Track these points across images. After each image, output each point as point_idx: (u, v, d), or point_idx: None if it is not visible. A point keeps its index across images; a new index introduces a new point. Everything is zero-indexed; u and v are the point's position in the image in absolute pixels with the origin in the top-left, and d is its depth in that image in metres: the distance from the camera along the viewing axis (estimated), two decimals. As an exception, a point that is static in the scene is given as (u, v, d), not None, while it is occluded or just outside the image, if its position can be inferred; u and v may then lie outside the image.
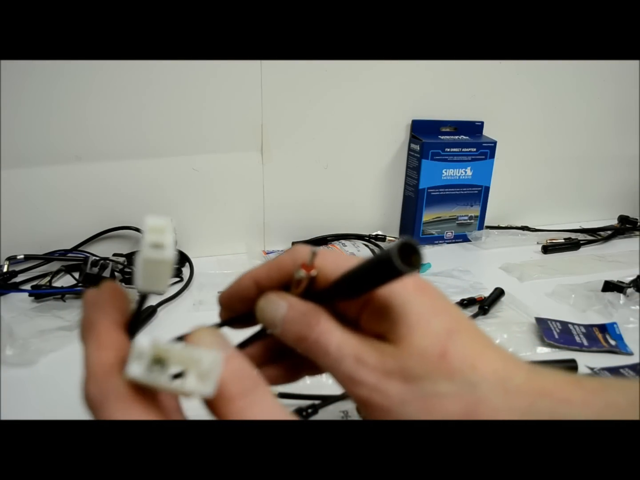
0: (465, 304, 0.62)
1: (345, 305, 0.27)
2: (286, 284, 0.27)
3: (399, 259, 0.21)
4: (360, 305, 0.26)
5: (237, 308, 0.29)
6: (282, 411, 0.21)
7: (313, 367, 0.28)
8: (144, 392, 0.20)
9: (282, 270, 0.27)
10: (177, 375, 0.19)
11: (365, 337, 0.25)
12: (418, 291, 0.26)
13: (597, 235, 0.88)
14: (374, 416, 0.24)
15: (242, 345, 0.30)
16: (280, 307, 0.26)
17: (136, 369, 0.19)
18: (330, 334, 0.25)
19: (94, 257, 0.64)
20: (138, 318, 0.23)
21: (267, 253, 0.76)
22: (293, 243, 0.78)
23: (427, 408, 0.23)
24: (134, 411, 0.20)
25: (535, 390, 0.24)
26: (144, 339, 0.20)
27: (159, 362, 0.20)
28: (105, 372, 0.20)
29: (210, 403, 0.21)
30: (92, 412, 0.20)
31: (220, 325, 0.30)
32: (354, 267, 0.24)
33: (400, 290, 0.25)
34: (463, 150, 0.79)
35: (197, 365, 0.19)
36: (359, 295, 0.25)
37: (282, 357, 0.30)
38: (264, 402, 0.21)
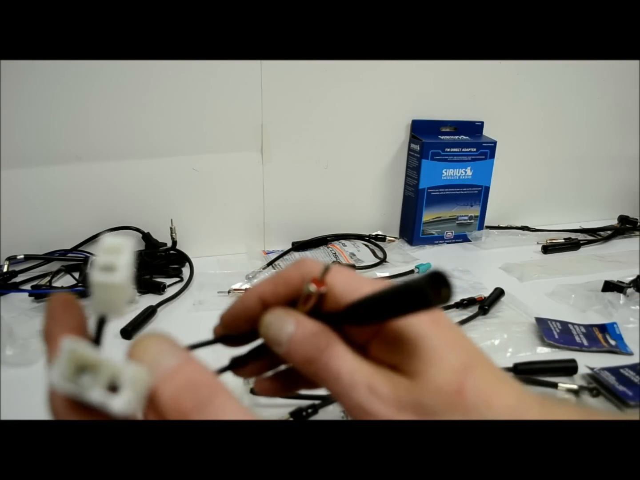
0: (465, 304, 0.62)
1: (355, 330, 0.26)
2: (292, 301, 0.26)
3: (431, 288, 0.20)
4: (371, 332, 0.25)
5: (242, 328, 0.28)
6: (247, 416, 0.20)
7: (310, 382, 0.27)
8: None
9: (289, 286, 0.26)
10: (113, 388, 0.18)
11: (377, 366, 0.24)
12: (432, 323, 0.25)
13: (597, 235, 0.88)
14: None
15: (237, 364, 0.29)
16: (287, 324, 0.24)
17: (55, 375, 0.18)
18: (342, 359, 0.24)
19: (94, 257, 0.64)
20: (99, 337, 0.21)
21: (267, 253, 0.76)
22: (293, 243, 0.78)
23: None
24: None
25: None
26: (67, 343, 0.19)
27: (89, 370, 0.18)
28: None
29: (167, 418, 0.19)
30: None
31: (214, 341, 0.29)
32: (375, 293, 0.23)
33: (415, 322, 0.24)
34: (463, 150, 0.79)
35: (122, 376, 0.18)
36: (377, 322, 0.24)
37: (278, 369, 0.29)
38: (226, 413, 0.19)
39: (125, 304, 0.20)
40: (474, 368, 0.24)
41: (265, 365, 0.29)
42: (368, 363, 0.24)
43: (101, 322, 0.21)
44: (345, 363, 0.24)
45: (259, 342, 0.28)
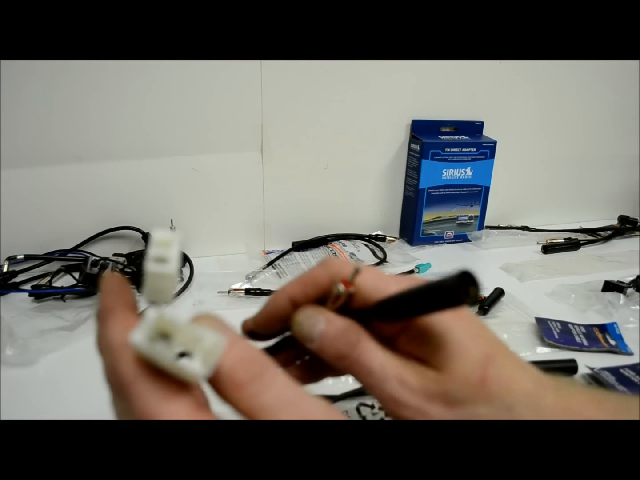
0: (465, 304, 0.62)
1: (383, 325, 0.27)
2: (322, 299, 0.27)
3: (461, 287, 0.21)
4: (398, 327, 0.27)
5: (275, 327, 0.29)
6: (297, 391, 0.21)
7: (336, 370, 0.28)
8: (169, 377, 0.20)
9: (318, 286, 0.27)
10: (183, 355, 0.20)
11: (406, 359, 0.26)
12: (456, 317, 0.26)
13: (597, 235, 0.88)
14: None
15: (270, 351, 0.30)
16: (318, 322, 0.26)
17: (140, 338, 0.19)
18: (373, 353, 0.25)
19: (94, 257, 0.64)
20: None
21: (267, 253, 0.76)
22: (293, 243, 0.78)
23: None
24: (163, 394, 0.19)
25: (563, 409, 0.25)
26: (152, 311, 0.20)
27: (165, 337, 0.20)
28: (124, 348, 0.20)
29: (221, 391, 0.21)
30: (123, 392, 0.20)
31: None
32: (406, 291, 0.24)
33: (439, 316, 0.26)
34: (463, 150, 0.79)
35: (200, 344, 0.20)
36: (406, 319, 0.26)
37: (304, 357, 0.30)
38: (277, 386, 0.21)
39: (173, 294, 0.22)
40: (495, 358, 0.25)
41: (293, 355, 0.31)
42: (397, 357, 0.26)
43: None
44: (376, 357, 0.25)
45: (286, 333, 0.29)
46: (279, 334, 0.30)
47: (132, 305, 0.23)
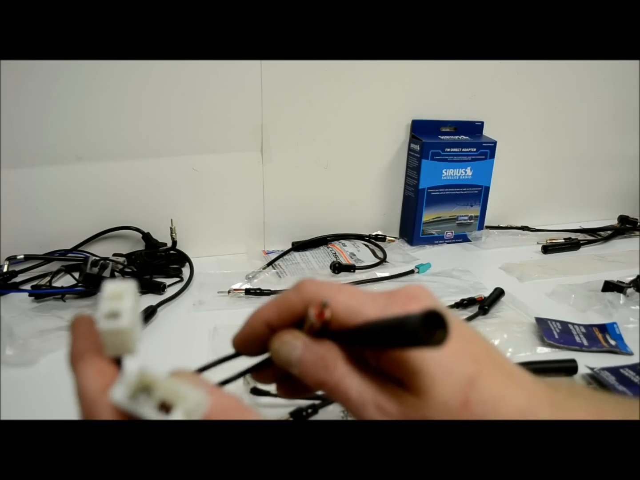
0: (465, 304, 0.62)
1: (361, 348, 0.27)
2: (298, 322, 0.27)
3: (423, 330, 0.20)
4: (376, 352, 0.26)
5: (253, 349, 0.29)
6: None
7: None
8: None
9: (292, 311, 0.27)
10: (162, 406, 0.19)
11: (384, 383, 0.25)
12: None
13: (597, 235, 0.88)
14: None
15: (259, 367, 0.30)
16: (295, 348, 0.26)
17: (120, 395, 0.19)
18: (349, 379, 0.25)
19: (94, 257, 0.64)
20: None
21: (267, 253, 0.76)
22: (293, 243, 0.78)
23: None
24: None
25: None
26: (134, 364, 0.20)
27: (145, 390, 0.20)
28: (100, 397, 0.20)
29: None
30: None
31: (234, 356, 0.30)
32: (370, 324, 0.24)
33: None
34: (463, 150, 0.79)
35: (184, 401, 0.19)
36: (376, 348, 0.25)
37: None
38: None
39: (136, 343, 0.21)
40: (479, 377, 0.24)
41: (281, 371, 0.30)
42: (375, 381, 0.25)
43: (118, 362, 0.22)
44: (353, 384, 0.25)
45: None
46: (262, 353, 0.30)
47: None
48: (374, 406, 0.25)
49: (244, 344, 0.29)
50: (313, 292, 0.26)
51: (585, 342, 0.55)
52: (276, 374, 0.30)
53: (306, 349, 0.26)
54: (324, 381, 0.25)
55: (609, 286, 0.66)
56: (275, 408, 0.43)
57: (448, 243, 0.84)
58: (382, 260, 0.75)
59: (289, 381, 0.30)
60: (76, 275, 0.64)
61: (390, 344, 0.23)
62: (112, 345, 0.21)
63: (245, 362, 0.30)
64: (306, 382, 0.26)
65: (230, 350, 0.30)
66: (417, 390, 0.24)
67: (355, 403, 0.25)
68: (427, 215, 0.81)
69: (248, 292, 0.63)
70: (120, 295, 0.21)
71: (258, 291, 0.63)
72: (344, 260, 0.74)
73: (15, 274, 0.64)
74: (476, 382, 0.24)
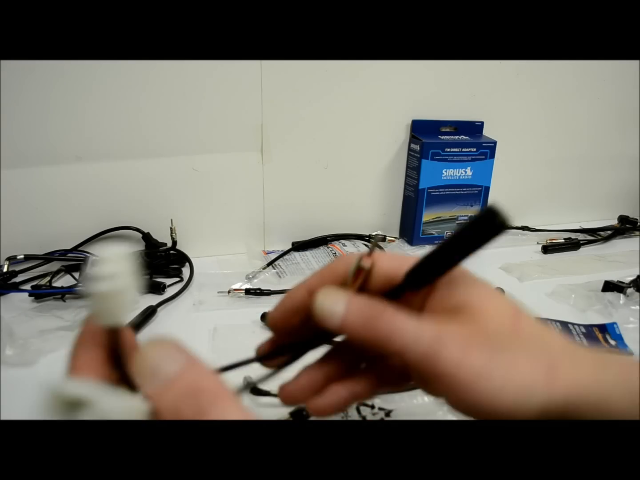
0: (465, 304, 0.62)
1: (406, 301, 0.27)
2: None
3: (497, 217, 0.22)
4: (422, 298, 0.27)
5: (292, 323, 0.29)
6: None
7: (389, 379, 0.29)
8: None
9: (335, 274, 0.27)
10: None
11: (438, 316, 0.26)
12: (475, 279, 0.27)
13: (597, 235, 0.88)
14: (456, 395, 0.24)
15: (294, 356, 0.29)
16: (341, 297, 0.25)
17: (47, 410, 0.19)
18: (402, 316, 0.25)
19: (94, 257, 0.64)
20: (117, 350, 0.22)
21: (267, 253, 0.76)
22: (293, 243, 0.78)
23: (509, 376, 0.23)
24: None
25: (597, 360, 0.25)
26: (56, 387, 0.19)
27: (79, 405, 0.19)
28: None
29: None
30: None
31: (256, 360, 0.29)
32: (446, 239, 0.25)
33: (462, 275, 0.27)
34: (463, 150, 0.79)
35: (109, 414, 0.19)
36: (444, 271, 0.26)
37: (357, 372, 0.30)
38: (225, 417, 0.19)
39: (126, 312, 0.21)
40: (523, 312, 0.26)
41: (343, 368, 0.30)
42: (428, 316, 0.26)
43: (113, 334, 0.21)
44: (406, 319, 0.25)
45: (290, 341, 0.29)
46: (294, 332, 0.29)
47: (98, 356, 0.22)
48: (431, 336, 0.24)
49: (283, 317, 0.29)
50: (354, 257, 0.27)
51: (585, 342, 0.55)
52: (335, 371, 0.29)
53: (351, 298, 0.25)
54: (373, 324, 0.24)
55: (609, 286, 0.66)
56: (275, 408, 0.43)
57: (448, 243, 0.84)
58: (382, 260, 0.74)
59: (350, 381, 0.29)
60: (76, 275, 0.64)
61: (470, 247, 0.25)
62: (102, 311, 0.20)
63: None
64: (350, 329, 0.25)
65: (232, 351, 0.30)
66: (470, 317, 0.25)
67: (411, 335, 0.24)
68: (427, 215, 0.81)
69: (248, 292, 0.63)
70: (113, 260, 0.20)
71: (258, 291, 0.63)
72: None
73: (15, 274, 0.64)
74: (521, 314, 0.26)
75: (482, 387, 0.23)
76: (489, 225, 0.23)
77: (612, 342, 0.55)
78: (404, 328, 0.24)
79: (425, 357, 0.24)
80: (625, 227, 0.91)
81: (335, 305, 0.25)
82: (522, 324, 0.25)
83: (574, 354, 0.25)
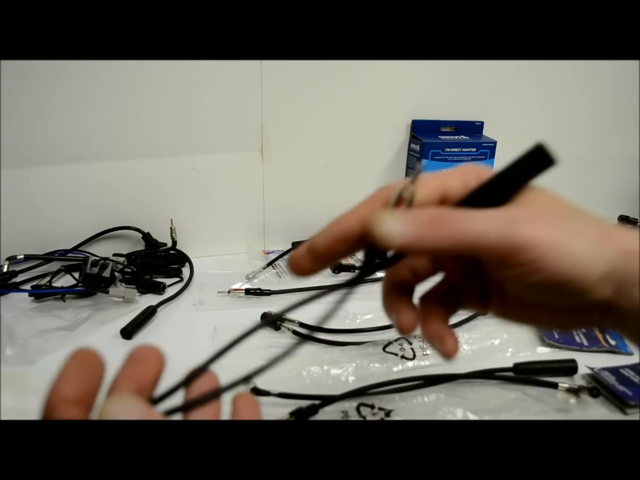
0: (465, 304, 0.61)
1: None
2: None
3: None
4: None
5: (336, 251, 0.28)
6: None
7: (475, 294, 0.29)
8: None
9: (383, 201, 0.28)
10: None
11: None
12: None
13: (597, 235, 0.88)
14: (532, 269, 0.24)
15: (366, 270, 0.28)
16: (399, 214, 0.25)
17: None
18: (465, 211, 0.25)
19: (94, 257, 0.64)
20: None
21: (267, 253, 0.76)
22: (293, 243, 0.78)
23: (578, 242, 0.24)
24: None
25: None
26: None
27: None
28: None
29: None
30: None
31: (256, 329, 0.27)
32: (499, 172, 0.27)
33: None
34: (463, 150, 0.79)
35: None
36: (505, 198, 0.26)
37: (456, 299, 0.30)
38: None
39: None
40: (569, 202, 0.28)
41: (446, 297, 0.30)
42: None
43: None
44: (472, 211, 0.25)
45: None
46: (332, 260, 0.29)
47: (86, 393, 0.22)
48: (508, 223, 0.24)
49: (330, 244, 0.28)
50: (398, 184, 0.27)
51: (585, 342, 0.55)
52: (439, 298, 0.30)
53: (411, 212, 0.25)
54: (441, 229, 0.24)
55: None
56: (275, 408, 0.43)
57: (448, 243, 0.84)
58: (382, 260, 0.74)
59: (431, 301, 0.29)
60: (76, 275, 0.64)
61: (522, 179, 0.26)
62: None
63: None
64: (422, 243, 0.24)
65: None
66: (530, 202, 0.27)
67: (487, 231, 0.24)
68: (427, 215, 0.81)
69: (248, 292, 0.63)
70: None
71: (258, 291, 0.63)
72: (344, 260, 0.74)
73: (15, 274, 0.64)
74: (569, 202, 0.28)
75: (556, 255, 0.24)
76: (540, 158, 0.25)
77: (612, 342, 0.55)
78: (473, 218, 0.24)
79: (500, 239, 0.24)
80: (626, 227, 0.91)
81: (397, 224, 0.24)
82: (574, 206, 0.27)
83: (620, 227, 0.26)
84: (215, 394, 0.24)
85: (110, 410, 0.21)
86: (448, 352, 0.27)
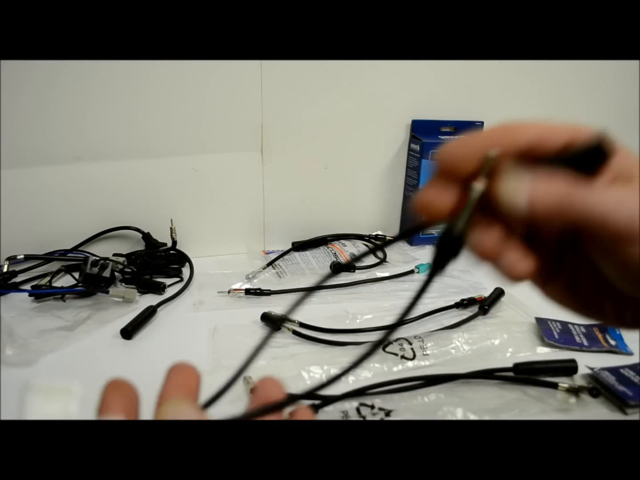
0: (465, 304, 0.62)
1: None
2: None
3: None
4: None
5: (460, 167, 0.26)
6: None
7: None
8: None
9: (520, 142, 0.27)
10: None
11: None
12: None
13: (597, 235, 0.88)
14: None
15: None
16: (527, 180, 0.24)
17: None
18: (595, 187, 0.23)
19: (94, 257, 0.64)
20: None
21: (267, 253, 0.76)
22: (293, 243, 0.78)
23: None
24: None
25: None
26: None
27: None
28: None
29: None
30: None
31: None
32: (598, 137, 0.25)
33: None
34: (463, 150, 0.79)
35: None
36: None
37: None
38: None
39: None
40: None
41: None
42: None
43: None
44: (601, 187, 0.23)
45: None
46: (459, 179, 0.27)
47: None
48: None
49: (465, 152, 0.26)
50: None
51: (585, 342, 0.55)
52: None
53: (540, 181, 0.24)
54: (570, 203, 0.23)
55: (609, 286, 0.66)
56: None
57: (448, 243, 0.84)
58: (382, 260, 0.75)
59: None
60: (76, 275, 0.64)
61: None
62: None
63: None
64: (543, 209, 0.23)
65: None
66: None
67: (616, 211, 0.22)
68: (427, 215, 0.81)
69: (248, 292, 0.63)
70: None
71: (258, 291, 0.63)
72: (344, 260, 0.74)
73: (15, 274, 0.64)
74: None
75: None
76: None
77: (612, 342, 0.55)
78: (604, 194, 0.23)
79: (630, 220, 0.22)
80: None
81: (525, 187, 0.24)
82: None
83: None
84: (280, 405, 0.25)
85: (170, 414, 0.22)
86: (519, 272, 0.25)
